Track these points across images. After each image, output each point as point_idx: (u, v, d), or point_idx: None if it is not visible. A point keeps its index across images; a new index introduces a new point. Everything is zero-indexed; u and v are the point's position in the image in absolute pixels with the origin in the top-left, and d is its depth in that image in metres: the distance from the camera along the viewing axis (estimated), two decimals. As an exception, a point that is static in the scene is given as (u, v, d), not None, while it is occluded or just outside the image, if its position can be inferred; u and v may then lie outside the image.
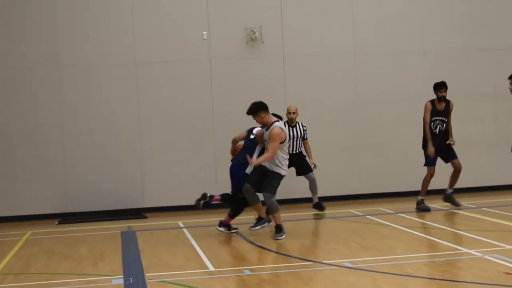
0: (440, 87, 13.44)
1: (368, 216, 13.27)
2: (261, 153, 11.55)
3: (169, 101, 15.50)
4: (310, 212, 14.26)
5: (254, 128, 12.09)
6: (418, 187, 15.31)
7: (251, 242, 11.04)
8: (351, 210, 14.12)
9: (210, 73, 15.61)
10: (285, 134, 11.29)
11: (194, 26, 15.56)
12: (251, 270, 9.02)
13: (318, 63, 15.85)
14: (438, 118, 13.42)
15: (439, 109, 13.43)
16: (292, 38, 15.80)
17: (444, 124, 13.44)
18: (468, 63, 16.18)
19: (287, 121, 13.87)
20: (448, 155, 13.55)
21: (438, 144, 13.43)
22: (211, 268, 9.29)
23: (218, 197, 12.00)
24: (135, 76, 15.40)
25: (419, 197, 13.68)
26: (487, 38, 16.30)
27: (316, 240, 11.21)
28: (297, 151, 13.99)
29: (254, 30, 15.60)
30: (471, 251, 9.42)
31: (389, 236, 11.09)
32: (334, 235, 11.51)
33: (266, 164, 11.27)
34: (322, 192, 14.73)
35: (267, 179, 11.28)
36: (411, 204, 14.33)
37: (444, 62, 16.11)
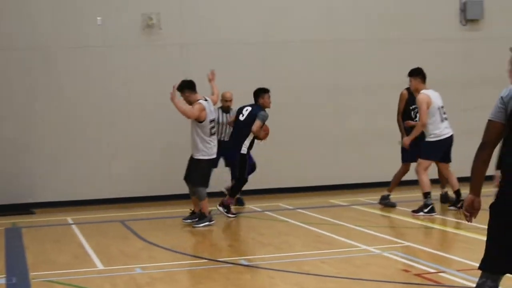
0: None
1: (266, 212, 13.31)
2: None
3: (62, 89, 15.14)
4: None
5: (244, 107, 12.77)
6: (320, 182, 15.53)
7: (144, 240, 10.90)
8: (250, 206, 14.12)
9: (105, 61, 15.34)
10: (206, 114, 11.65)
11: (87, 11, 15.26)
12: (142, 268, 8.90)
13: (218, 53, 15.77)
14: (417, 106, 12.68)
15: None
16: (192, 26, 15.68)
17: None
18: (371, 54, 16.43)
19: (221, 107, 13.90)
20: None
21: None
22: (100, 266, 9.13)
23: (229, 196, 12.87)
24: (28, 62, 14.97)
25: (386, 192, 13.28)
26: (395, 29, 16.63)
27: (212, 237, 11.16)
28: (228, 139, 13.72)
29: (151, 16, 15.41)
30: (370, 248, 9.55)
31: (287, 232, 11.15)
32: (231, 231, 11.52)
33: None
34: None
35: (192, 168, 11.80)
36: (311, 200, 14.50)
37: (351, 53, 16.34)
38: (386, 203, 13.22)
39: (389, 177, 13.31)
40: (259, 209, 13.73)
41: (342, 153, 16.19)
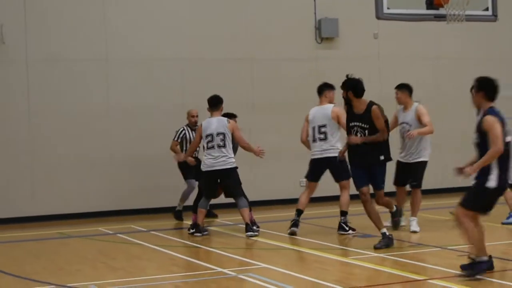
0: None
1: (118, 235, 13.20)
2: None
3: None
4: (54, 230, 13.99)
5: None
6: (168, 203, 15.51)
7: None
8: (100, 228, 13.98)
9: None
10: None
11: None
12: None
13: (65, 69, 15.60)
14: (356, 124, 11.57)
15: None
16: (37, 40, 15.43)
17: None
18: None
19: (188, 125, 14.51)
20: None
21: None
22: None
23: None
24: None
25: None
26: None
27: (60, 261, 10.93)
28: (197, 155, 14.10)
29: (-6, 28, 15.13)
30: (225, 270, 9.62)
31: (140, 255, 11.09)
32: (80, 255, 11.33)
33: None
34: (71, 209, 14.71)
35: None
36: (165, 222, 14.50)
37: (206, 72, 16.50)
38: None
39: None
40: (110, 232, 13.61)
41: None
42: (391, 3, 13.45)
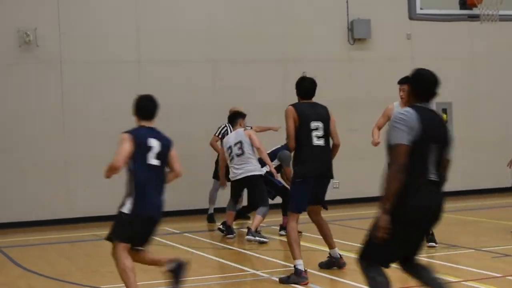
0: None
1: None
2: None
3: None
4: (89, 233, 14.11)
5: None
6: (201, 205, 15.58)
7: (22, 267, 10.72)
8: (134, 230, 14.07)
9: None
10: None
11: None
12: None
13: (98, 71, 15.73)
14: None
15: None
16: (71, 43, 15.57)
17: None
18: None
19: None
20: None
21: None
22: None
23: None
24: None
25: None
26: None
27: (93, 263, 11.04)
28: None
29: (28, 32, 15.23)
30: (258, 272, 9.66)
31: (173, 257, 11.14)
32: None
33: None
34: (105, 211, 14.80)
35: None
36: (198, 224, 14.55)
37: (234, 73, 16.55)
38: None
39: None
40: (143, 234, 13.67)
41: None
42: (424, 3, 13.44)
